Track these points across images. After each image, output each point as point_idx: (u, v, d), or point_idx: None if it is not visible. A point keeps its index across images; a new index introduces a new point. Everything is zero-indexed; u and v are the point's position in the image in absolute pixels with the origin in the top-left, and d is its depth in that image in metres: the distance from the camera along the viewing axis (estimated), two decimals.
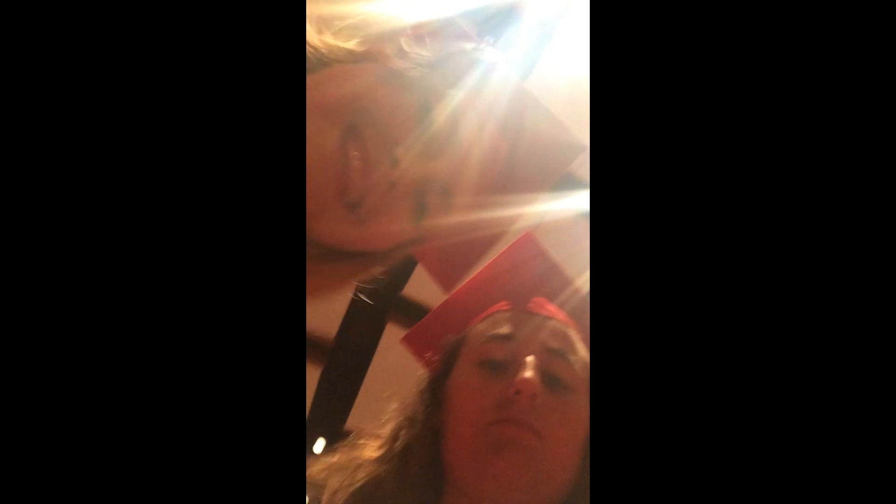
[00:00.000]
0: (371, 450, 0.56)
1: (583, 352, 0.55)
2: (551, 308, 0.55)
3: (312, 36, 0.52)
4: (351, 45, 0.51)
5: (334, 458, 0.55)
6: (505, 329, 0.51)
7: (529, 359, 0.49)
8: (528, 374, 0.47)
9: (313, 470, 0.55)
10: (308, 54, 0.52)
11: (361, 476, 0.53)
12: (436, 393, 0.56)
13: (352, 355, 2.62)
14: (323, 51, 0.51)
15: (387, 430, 0.57)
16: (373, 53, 0.51)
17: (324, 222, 0.50)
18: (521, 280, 0.57)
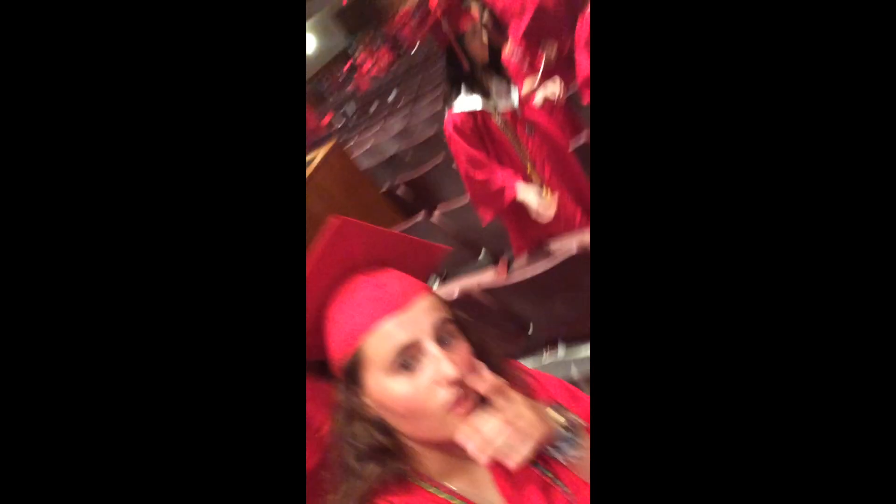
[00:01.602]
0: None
1: (448, 306, 0.57)
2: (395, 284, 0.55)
3: None
4: None
5: None
6: (403, 338, 0.52)
7: (440, 354, 0.52)
8: (450, 371, 0.51)
9: None
10: None
11: None
12: (359, 415, 0.57)
13: None
14: None
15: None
16: None
17: None
18: (356, 262, 0.55)
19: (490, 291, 1.57)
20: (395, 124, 5.19)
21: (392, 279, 0.56)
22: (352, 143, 5.64)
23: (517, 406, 0.52)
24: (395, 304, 0.54)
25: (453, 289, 1.67)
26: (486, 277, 1.85)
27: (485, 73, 1.70)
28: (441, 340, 0.54)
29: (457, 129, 1.68)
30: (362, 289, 0.55)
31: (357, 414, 0.57)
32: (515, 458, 0.50)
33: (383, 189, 3.49)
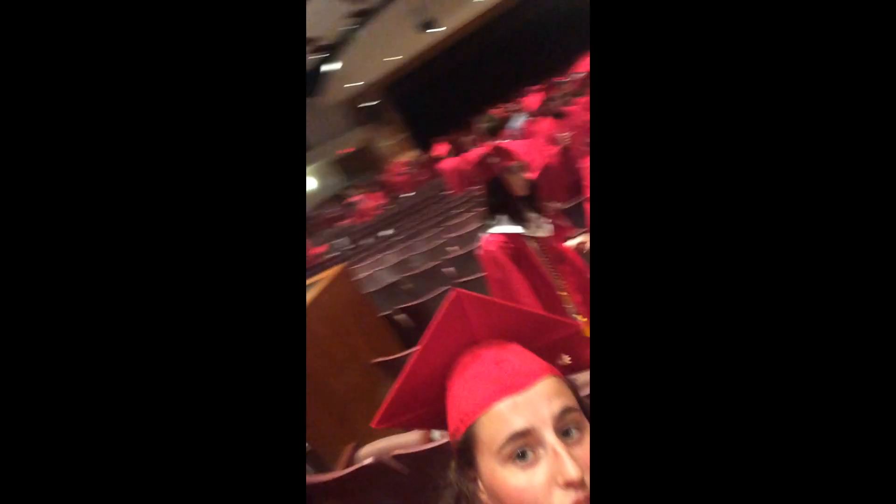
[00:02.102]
0: None
1: (577, 393, 0.53)
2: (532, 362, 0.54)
3: None
4: None
5: None
6: (518, 424, 0.48)
7: (561, 450, 0.47)
8: (572, 472, 0.46)
9: None
10: None
11: None
12: (470, 501, 0.53)
13: None
14: None
15: None
16: None
17: None
18: (476, 334, 0.56)
19: (404, 458, 1.42)
20: (392, 257, 5.36)
21: (513, 356, 0.53)
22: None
23: None
24: (513, 385, 0.50)
25: (369, 453, 1.57)
26: (409, 438, 1.74)
27: (522, 204, 1.85)
28: (564, 433, 0.49)
29: (493, 249, 1.77)
30: (481, 364, 0.53)
31: (466, 499, 0.54)
32: None
33: (381, 314, 3.50)
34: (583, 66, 6.05)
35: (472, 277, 3.21)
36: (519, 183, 1.84)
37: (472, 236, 4.39)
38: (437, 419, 0.58)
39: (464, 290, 0.54)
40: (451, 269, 3.83)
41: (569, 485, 0.46)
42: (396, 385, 0.57)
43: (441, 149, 7.48)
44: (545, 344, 0.57)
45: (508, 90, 9.52)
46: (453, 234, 4.69)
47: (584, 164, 2.33)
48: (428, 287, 3.57)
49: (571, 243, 1.92)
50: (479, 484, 0.53)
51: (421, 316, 3.35)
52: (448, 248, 4.37)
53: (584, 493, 0.46)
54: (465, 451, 0.53)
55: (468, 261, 3.76)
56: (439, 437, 1.59)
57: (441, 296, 3.26)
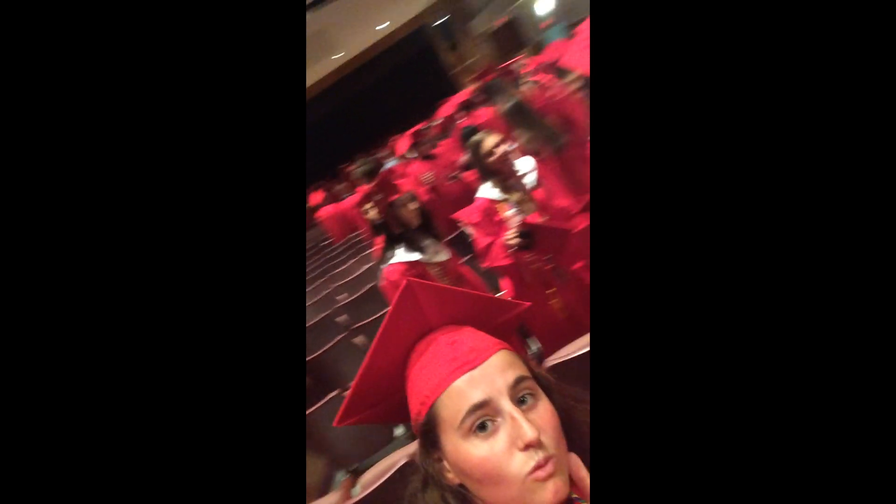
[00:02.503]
0: None
1: (529, 364, 0.57)
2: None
3: None
4: None
5: None
6: (476, 396, 0.51)
7: (518, 415, 0.50)
8: (529, 433, 0.49)
9: None
10: None
11: None
12: (437, 482, 0.54)
13: None
14: None
15: None
16: None
17: None
18: (431, 322, 0.58)
19: None
20: None
21: (467, 337, 0.56)
22: None
23: None
24: (467, 362, 0.53)
25: None
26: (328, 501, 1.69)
27: (417, 234, 1.91)
28: (519, 400, 0.52)
29: (396, 278, 1.80)
30: (436, 347, 0.55)
31: (433, 480, 0.55)
32: None
33: None
34: (444, 112, 6.45)
35: (368, 320, 3.16)
36: (410, 214, 1.91)
37: (360, 281, 4.34)
38: (398, 411, 0.58)
39: (414, 279, 0.56)
40: (344, 317, 3.73)
41: (528, 446, 0.49)
42: (356, 381, 0.57)
43: (316, 197, 7.37)
44: (495, 326, 0.59)
45: (376, 136, 9.79)
46: (340, 282, 4.60)
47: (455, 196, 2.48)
48: (322, 339, 3.43)
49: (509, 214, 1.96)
50: (445, 463, 0.54)
51: (321, 369, 3.20)
52: (337, 297, 4.26)
53: (545, 454, 0.49)
54: (428, 433, 0.54)
55: (361, 305, 3.70)
56: (359, 494, 1.53)
57: (338, 344, 3.15)
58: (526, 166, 1.94)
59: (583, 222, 1.86)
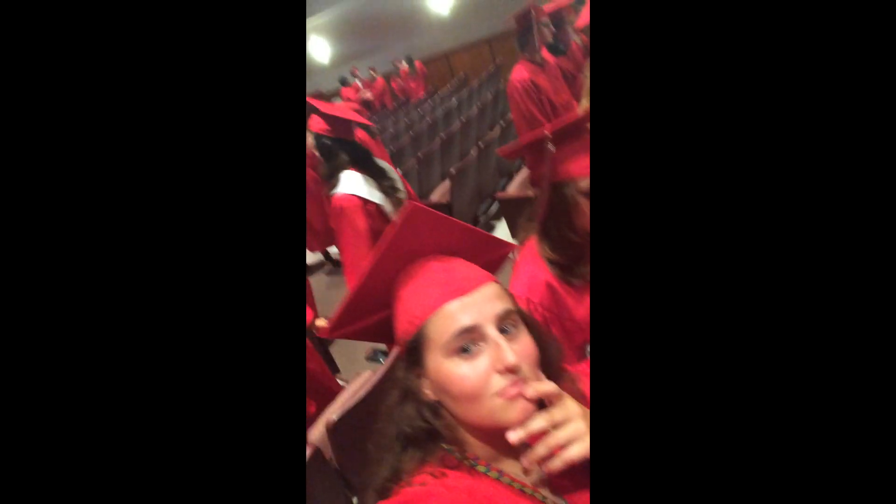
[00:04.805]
0: None
1: (514, 300, 0.60)
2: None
3: None
4: None
5: None
6: (465, 321, 0.54)
7: (502, 342, 0.53)
8: (510, 357, 0.53)
9: None
10: None
11: None
12: (414, 397, 0.58)
13: None
14: None
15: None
16: None
17: None
18: (425, 248, 0.59)
19: None
20: None
21: (460, 265, 0.59)
22: None
23: (569, 412, 0.53)
24: (460, 288, 0.56)
25: None
26: None
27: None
28: (503, 329, 0.55)
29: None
30: (430, 271, 0.58)
31: (412, 394, 0.58)
32: (557, 463, 0.51)
33: None
34: None
35: None
36: None
37: None
38: (382, 331, 0.61)
39: (420, 205, 0.58)
40: None
41: (508, 370, 0.53)
42: (352, 293, 0.59)
43: None
44: (483, 262, 0.63)
45: None
46: None
47: None
48: None
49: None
50: (424, 381, 0.58)
51: None
52: None
53: (519, 378, 0.53)
54: (413, 350, 0.58)
55: None
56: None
57: None
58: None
59: None
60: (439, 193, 3.77)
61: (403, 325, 0.58)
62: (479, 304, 0.55)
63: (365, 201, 1.80)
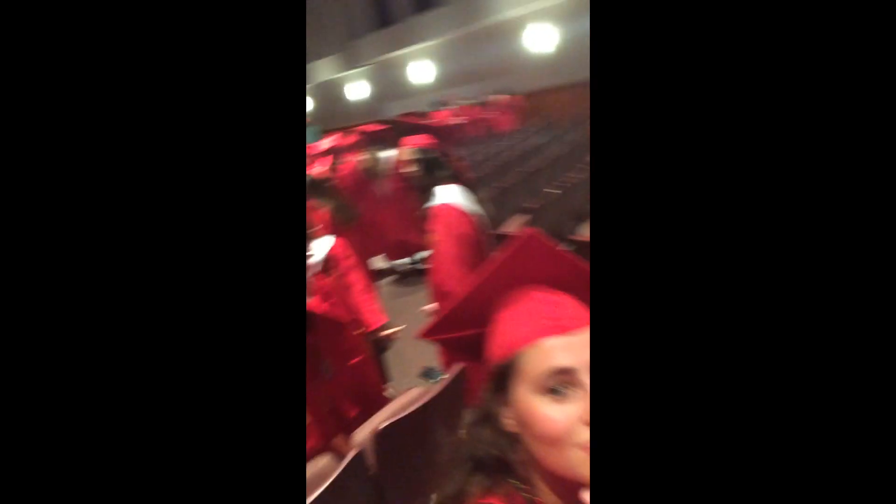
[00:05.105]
0: None
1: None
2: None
3: None
4: None
5: None
6: (564, 361, 0.52)
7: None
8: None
9: None
10: None
11: None
12: (494, 423, 0.57)
13: None
14: None
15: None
16: None
17: None
18: (533, 276, 0.58)
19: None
20: None
21: (567, 302, 0.57)
22: None
23: None
24: (564, 326, 0.54)
25: None
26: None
27: None
28: None
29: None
30: (535, 301, 0.57)
31: (492, 419, 0.57)
32: None
33: None
34: None
35: None
36: None
37: None
38: (472, 348, 0.61)
39: (537, 233, 0.58)
40: None
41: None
42: (457, 304, 0.60)
43: None
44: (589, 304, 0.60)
45: None
46: None
47: None
48: None
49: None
50: (507, 410, 0.56)
51: None
52: None
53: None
54: (502, 377, 0.56)
55: None
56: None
57: None
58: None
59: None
60: (512, 227, 3.78)
61: (497, 349, 0.57)
62: (580, 347, 0.53)
63: (465, 212, 1.87)
